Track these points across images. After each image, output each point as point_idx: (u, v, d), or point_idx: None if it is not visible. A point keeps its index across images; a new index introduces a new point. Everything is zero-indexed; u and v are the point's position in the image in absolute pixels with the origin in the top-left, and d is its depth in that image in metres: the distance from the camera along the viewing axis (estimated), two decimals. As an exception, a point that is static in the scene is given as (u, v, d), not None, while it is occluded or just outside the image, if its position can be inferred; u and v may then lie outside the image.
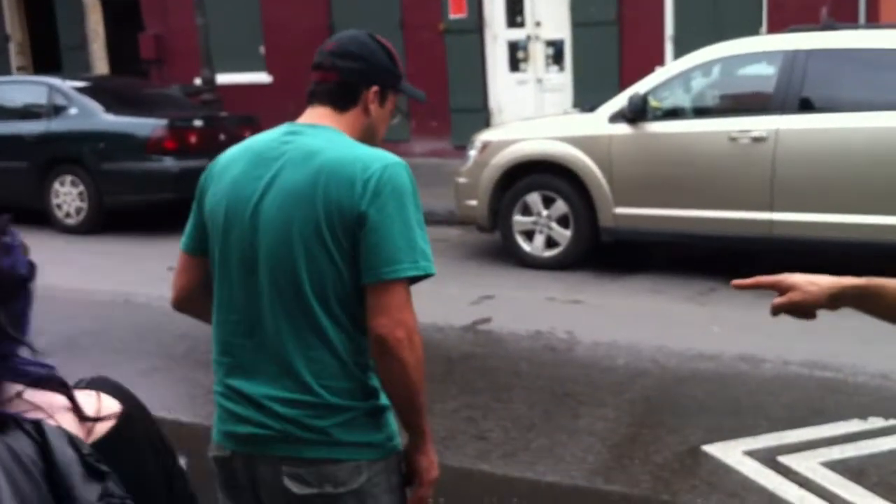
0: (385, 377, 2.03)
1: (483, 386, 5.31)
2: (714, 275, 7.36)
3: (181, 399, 5.38)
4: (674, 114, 7.46)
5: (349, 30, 2.26)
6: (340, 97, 2.14)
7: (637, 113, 7.30)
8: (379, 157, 2.03)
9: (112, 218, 10.14)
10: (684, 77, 7.50)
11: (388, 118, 2.25)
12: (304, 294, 2.00)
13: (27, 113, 10.59)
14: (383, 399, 2.10)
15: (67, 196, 10.13)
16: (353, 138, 2.12)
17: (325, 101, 2.15)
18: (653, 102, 7.36)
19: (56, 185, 10.16)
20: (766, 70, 7.25)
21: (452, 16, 13.06)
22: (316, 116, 2.14)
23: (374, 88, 2.16)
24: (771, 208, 6.88)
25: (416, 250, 1.98)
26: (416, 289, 2.01)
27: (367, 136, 2.18)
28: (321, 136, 2.08)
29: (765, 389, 5.09)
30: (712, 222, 7.12)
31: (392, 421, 2.14)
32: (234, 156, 2.15)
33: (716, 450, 4.34)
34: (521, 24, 12.92)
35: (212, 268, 2.15)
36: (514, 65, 13.06)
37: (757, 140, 6.88)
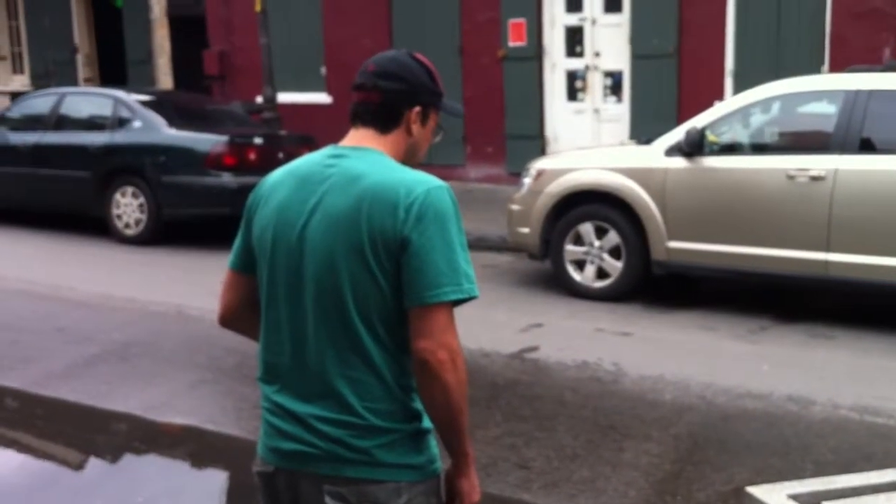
0: (427, 399, 2.04)
1: (527, 414, 5.31)
2: (766, 313, 7.29)
3: (227, 413, 5.44)
4: (731, 149, 7.40)
5: (390, 50, 2.29)
6: (383, 118, 2.16)
7: (694, 147, 7.26)
8: (422, 181, 2.04)
9: (170, 230, 10.32)
10: (743, 113, 7.46)
11: (430, 137, 2.26)
12: (349, 317, 2.03)
13: (92, 124, 10.83)
14: (426, 422, 2.11)
15: (127, 207, 10.31)
16: (396, 159, 2.14)
17: (367, 123, 2.17)
18: (710, 137, 7.32)
19: (117, 196, 10.35)
20: (827, 109, 7.18)
21: (512, 43, 13.12)
22: (359, 138, 2.17)
23: (416, 109, 2.17)
24: (827, 248, 6.80)
25: (459, 273, 2.00)
26: (464, 314, 2.03)
27: (410, 156, 2.21)
28: (365, 160, 2.10)
29: (813, 432, 5.02)
30: (766, 260, 7.04)
31: (434, 444, 2.15)
32: (279, 179, 2.18)
33: (760, 492, 4.25)
34: (581, 54, 12.94)
35: (260, 290, 2.18)
36: (572, 94, 13.07)
37: (815, 179, 6.81)
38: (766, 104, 7.47)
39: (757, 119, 7.58)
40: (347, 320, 2.03)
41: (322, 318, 2.06)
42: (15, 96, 15.49)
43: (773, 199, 7.03)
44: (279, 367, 2.14)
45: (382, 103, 2.16)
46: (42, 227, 11.12)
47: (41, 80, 17.37)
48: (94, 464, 5.04)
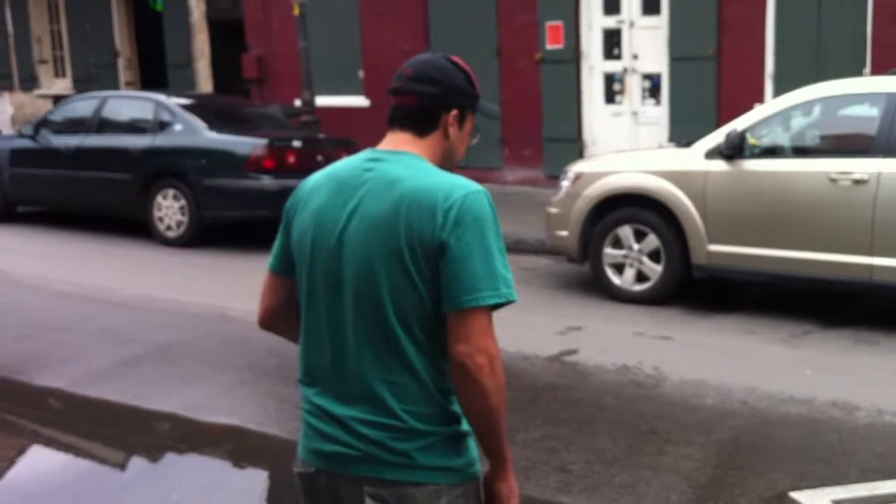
0: (466, 403, 2.05)
1: (567, 417, 5.28)
2: (809, 317, 7.20)
3: (268, 413, 5.47)
4: (772, 152, 7.33)
5: (426, 53, 2.29)
6: (420, 122, 2.16)
7: (734, 150, 7.19)
8: (460, 186, 2.04)
9: (211, 232, 10.40)
10: (784, 115, 7.38)
11: (467, 139, 2.25)
12: (388, 320, 2.04)
13: (134, 127, 10.95)
14: (465, 425, 2.11)
15: (169, 209, 10.42)
16: (434, 162, 2.14)
17: (404, 126, 2.17)
18: (750, 140, 7.25)
19: (158, 199, 10.46)
20: (869, 111, 7.09)
21: (549, 46, 13.09)
22: (397, 142, 2.17)
23: (454, 112, 2.17)
24: (871, 252, 6.71)
25: (497, 277, 1.99)
26: (503, 317, 2.02)
27: (447, 159, 2.21)
28: (402, 164, 2.10)
29: (857, 437, 4.95)
30: (809, 264, 6.96)
31: (473, 447, 2.15)
32: (318, 183, 2.19)
33: (803, 497, 4.22)
34: (619, 57, 12.87)
35: (300, 294, 2.19)
36: (610, 97, 13.01)
37: (857, 182, 6.73)
38: (807, 107, 7.39)
39: (798, 122, 7.50)
40: (386, 324, 2.04)
41: (361, 321, 2.06)
42: (57, 100, 15.72)
43: (814, 202, 6.95)
44: (319, 369, 2.15)
45: (419, 107, 2.16)
46: (85, 228, 11.26)
47: (83, 84, 17.59)
48: (134, 462, 5.10)
